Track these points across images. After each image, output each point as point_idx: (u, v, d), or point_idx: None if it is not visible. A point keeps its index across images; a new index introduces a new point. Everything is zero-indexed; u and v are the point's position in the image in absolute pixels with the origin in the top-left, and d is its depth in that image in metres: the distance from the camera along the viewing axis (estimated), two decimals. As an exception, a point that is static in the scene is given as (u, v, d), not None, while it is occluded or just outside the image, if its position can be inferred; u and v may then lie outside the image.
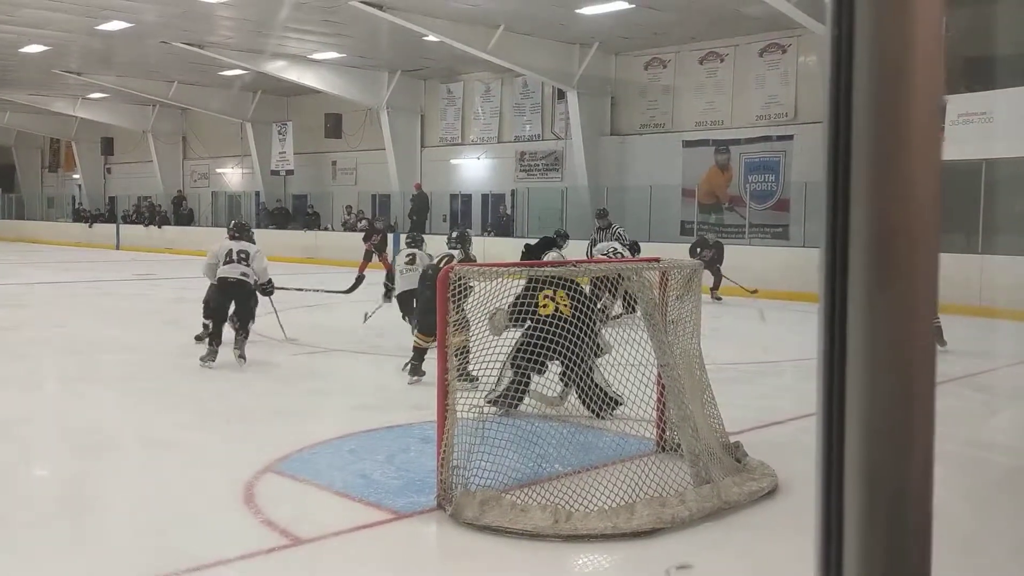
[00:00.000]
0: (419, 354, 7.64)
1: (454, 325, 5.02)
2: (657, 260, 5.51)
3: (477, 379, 6.85)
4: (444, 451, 4.51)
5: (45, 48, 21.56)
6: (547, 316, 5.68)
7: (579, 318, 5.39)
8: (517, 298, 5.62)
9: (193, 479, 5.09)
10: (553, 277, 5.80)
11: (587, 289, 6.20)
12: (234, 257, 8.40)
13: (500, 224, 22.39)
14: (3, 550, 3.99)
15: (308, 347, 8.76)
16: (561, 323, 5.38)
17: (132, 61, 23.56)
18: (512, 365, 5.68)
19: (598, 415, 5.65)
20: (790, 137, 18.23)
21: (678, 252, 14.22)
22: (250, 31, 19.71)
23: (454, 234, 8.87)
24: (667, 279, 5.16)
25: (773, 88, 18.55)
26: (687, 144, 19.81)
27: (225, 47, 21.32)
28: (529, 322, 5.71)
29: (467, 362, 6.38)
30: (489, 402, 5.38)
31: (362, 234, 17.63)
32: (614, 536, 4.10)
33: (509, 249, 19.07)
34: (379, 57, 22.41)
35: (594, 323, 5.62)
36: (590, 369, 5.57)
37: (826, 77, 0.63)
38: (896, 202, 0.62)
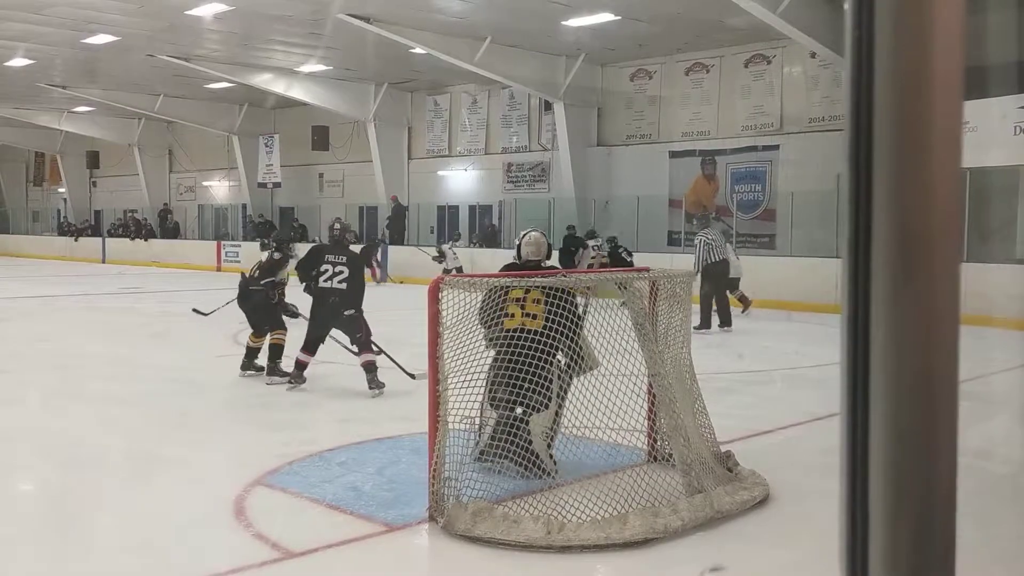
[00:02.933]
0: (253, 352, 8.53)
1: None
2: (647, 270, 5.52)
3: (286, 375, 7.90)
4: (435, 463, 4.49)
5: (30, 61, 21.47)
6: (511, 330, 4.91)
7: (553, 330, 4.82)
8: (482, 306, 4.94)
9: (182, 493, 5.05)
10: (529, 267, 5.23)
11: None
12: None
13: (487, 235, 22.44)
14: (-10, 567, 3.95)
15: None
16: (527, 337, 4.77)
17: (118, 74, 23.49)
18: (491, 403, 5.04)
19: (521, 472, 4.83)
20: (776, 147, 18.35)
21: (666, 262, 14.27)
22: (236, 44, 19.69)
23: (273, 235, 9.39)
24: (657, 289, 5.16)
25: (758, 98, 18.67)
26: (673, 155, 19.90)
27: (211, 60, 21.29)
28: (494, 336, 4.92)
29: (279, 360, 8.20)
30: (478, 459, 4.88)
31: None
32: (607, 546, 4.09)
33: (497, 260, 19.10)
34: (366, 69, 22.43)
35: (576, 333, 4.92)
36: (545, 404, 4.85)
37: (847, 78, 0.63)
38: (918, 203, 0.62)
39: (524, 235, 5.87)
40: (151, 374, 9.02)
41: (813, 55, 17.11)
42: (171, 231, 30.57)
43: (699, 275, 12.09)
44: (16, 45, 19.70)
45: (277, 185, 27.77)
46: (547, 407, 4.91)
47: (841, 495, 0.65)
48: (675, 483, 4.65)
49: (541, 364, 4.76)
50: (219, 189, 31.50)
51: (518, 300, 5.07)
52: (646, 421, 5.33)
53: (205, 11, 16.46)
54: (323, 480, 5.14)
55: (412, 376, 7.62)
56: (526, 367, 4.71)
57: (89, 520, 4.70)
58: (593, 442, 5.52)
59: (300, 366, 7.86)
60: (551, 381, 4.86)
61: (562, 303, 4.89)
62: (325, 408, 7.37)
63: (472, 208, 23.78)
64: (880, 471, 0.61)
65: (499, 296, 4.99)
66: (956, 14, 0.60)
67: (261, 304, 8.44)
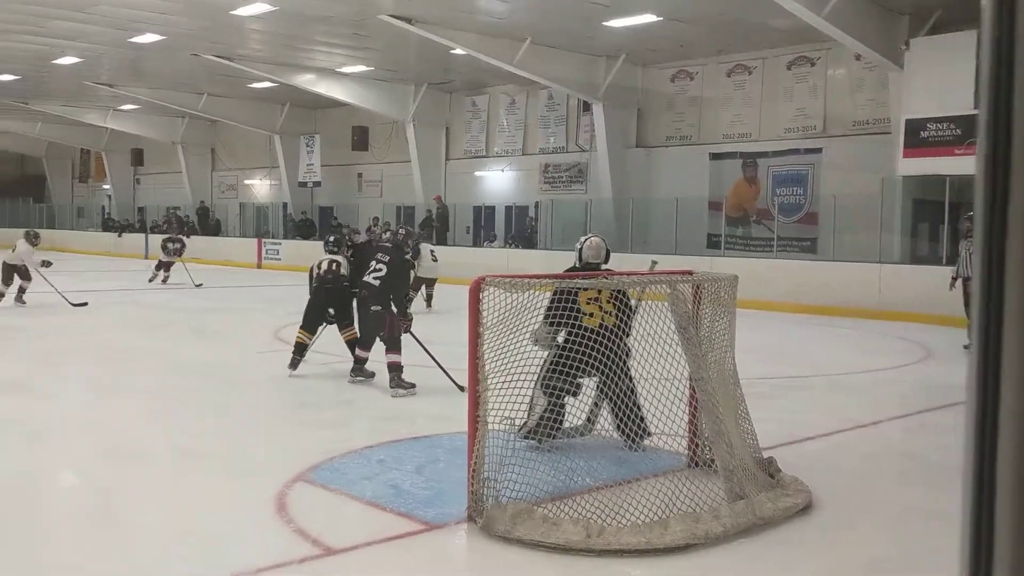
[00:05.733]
0: (303, 349, 8.50)
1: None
2: (690, 273, 5.46)
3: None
4: (475, 463, 4.48)
5: (78, 60, 21.87)
6: (593, 328, 5.07)
7: (623, 324, 5.13)
8: (552, 305, 5.16)
9: (224, 488, 5.10)
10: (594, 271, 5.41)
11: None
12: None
13: (525, 236, 22.40)
14: (34, 559, 4.00)
15: (335, 356, 8.78)
16: (606, 334, 5.00)
17: (163, 73, 23.85)
18: (545, 390, 5.31)
19: (631, 443, 5.33)
20: (819, 150, 18.12)
21: (705, 265, 14.15)
22: (280, 44, 19.90)
23: (331, 238, 9.21)
24: (700, 292, 5.11)
25: (802, 101, 18.46)
26: (714, 157, 19.74)
27: (255, 60, 21.54)
28: (566, 333, 5.12)
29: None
30: (523, 437, 5.11)
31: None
32: (647, 551, 4.05)
33: (533, 262, 19.08)
34: (406, 70, 22.54)
35: (631, 327, 5.26)
36: (632, 387, 5.22)
37: (984, 76, 0.60)
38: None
39: (585, 240, 6.16)
40: (194, 369, 9.13)
41: (858, 57, 16.87)
42: (212, 228, 30.95)
43: (963, 286, 11.10)
44: (65, 44, 20.08)
45: (317, 184, 28.01)
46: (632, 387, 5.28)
47: (964, 495, 0.63)
48: (717, 489, 4.60)
49: (625, 354, 5.17)
50: (260, 188, 31.85)
51: (594, 300, 5.40)
52: (687, 426, 5.28)
53: (249, 11, 16.64)
54: (363, 477, 5.16)
55: (461, 389, 7.54)
56: (615, 349, 5.01)
57: (132, 512, 4.76)
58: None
59: (360, 361, 8.14)
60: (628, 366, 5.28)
61: (626, 300, 5.31)
62: (364, 406, 7.41)
63: (508, 209, 23.79)
64: (1008, 480, 0.58)
65: (570, 297, 5.19)
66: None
67: (347, 300, 8.59)
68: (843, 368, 9.98)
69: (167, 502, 4.91)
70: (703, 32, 17.42)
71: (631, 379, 5.26)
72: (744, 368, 5.47)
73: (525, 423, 5.18)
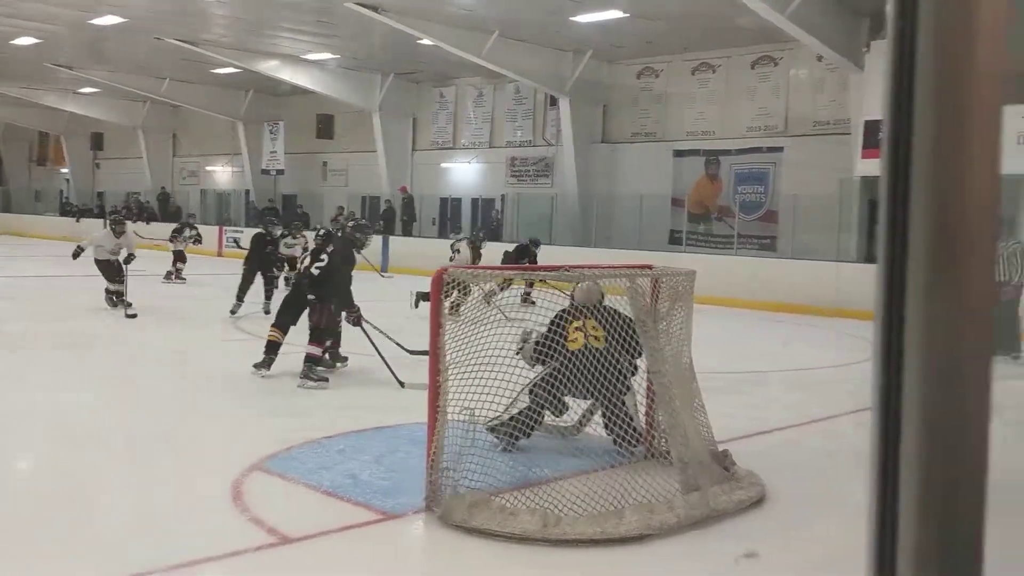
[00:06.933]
0: (275, 347, 8.01)
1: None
2: (649, 267, 5.53)
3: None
4: (434, 453, 4.51)
5: (37, 41, 21.46)
6: (577, 351, 5.26)
7: (615, 348, 5.22)
8: (545, 336, 5.34)
9: (181, 476, 5.08)
10: (584, 307, 5.49)
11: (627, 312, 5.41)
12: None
13: (491, 229, 22.40)
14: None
15: (298, 346, 8.74)
16: (592, 356, 5.09)
17: (124, 56, 23.48)
18: (530, 395, 5.39)
19: (621, 446, 5.17)
20: (780, 149, 18.35)
21: (666, 261, 14.25)
22: (244, 30, 19.68)
23: (320, 232, 9.48)
24: (659, 286, 5.18)
25: (764, 100, 18.66)
26: (678, 154, 19.90)
27: (218, 45, 21.28)
28: (557, 359, 5.33)
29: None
30: (490, 430, 5.14)
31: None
32: (602, 541, 4.11)
33: (498, 254, 19.08)
34: (372, 59, 22.42)
35: (634, 353, 5.31)
36: (623, 400, 5.31)
37: (887, 69, 0.64)
38: (955, 196, 0.63)
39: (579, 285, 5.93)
40: (153, 356, 9.05)
41: (820, 58, 17.09)
42: (173, 215, 30.54)
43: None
44: (24, 24, 19.68)
45: (280, 172, 27.75)
46: (629, 390, 5.36)
47: (871, 488, 0.67)
48: (672, 480, 4.67)
49: (614, 363, 5.15)
50: (222, 174, 31.49)
51: (579, 328, 5.44)
52: (644, 418, 5.35)
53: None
54: (321, 467, 5.16)
55: (402, 384, 7.55)
56: (603, 369, 5.05)
57: (88, 499, 4.72)
58: (591, 437, 5.56)
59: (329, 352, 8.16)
60: (625, 375, 5.27)
61: (621, 326, 5.31)
62: (324, 395, 7.39)
63: (475, 201, 23.78)
64: (911, 464, 0.62)
65: (560, 327, 5.35)
66: (1000, 8, 0.61)
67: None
68: (800, 364, 10.14)
69: (123, 489, 4.88)
70: (669, 29, 17.54)
71: (623, 402, 5.30)
72: (702, 362, 5.56)
73: (498, 417, 5.20)
